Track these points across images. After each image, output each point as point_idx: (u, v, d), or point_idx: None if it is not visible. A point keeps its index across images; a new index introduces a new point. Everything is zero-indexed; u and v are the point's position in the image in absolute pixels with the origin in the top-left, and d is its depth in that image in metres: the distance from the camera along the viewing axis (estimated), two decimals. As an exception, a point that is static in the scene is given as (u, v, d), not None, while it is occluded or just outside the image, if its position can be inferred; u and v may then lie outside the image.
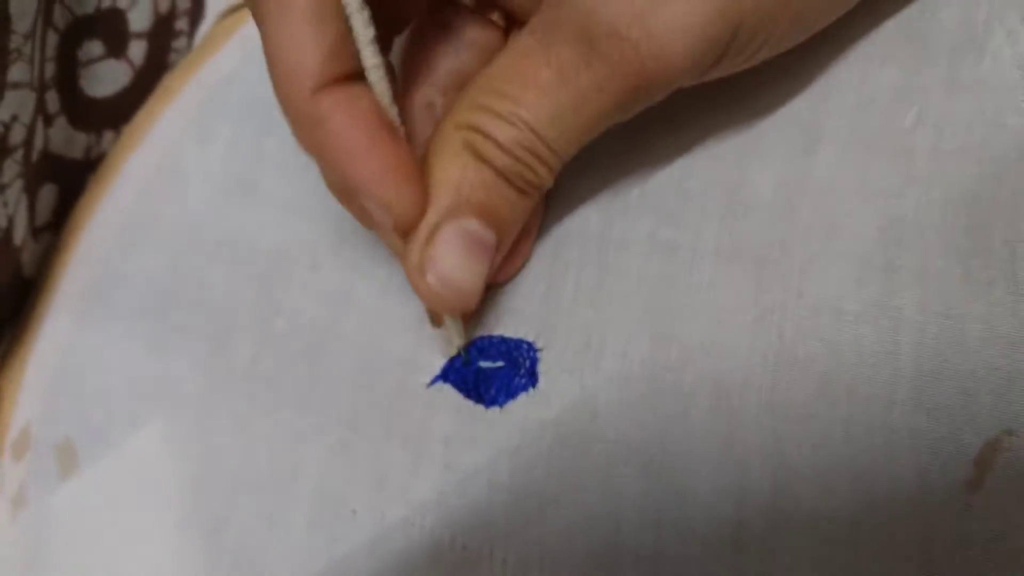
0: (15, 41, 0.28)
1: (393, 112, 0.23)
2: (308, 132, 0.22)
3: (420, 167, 0.23)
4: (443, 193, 0.22)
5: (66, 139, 0.32)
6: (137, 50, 0.34)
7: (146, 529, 0.27)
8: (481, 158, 0.22)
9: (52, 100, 0.32)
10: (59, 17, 0.30)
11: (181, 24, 0.35)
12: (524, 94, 0.22)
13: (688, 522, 0.22)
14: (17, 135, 0.29)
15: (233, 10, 0.35)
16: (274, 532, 0.26)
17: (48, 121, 0.31)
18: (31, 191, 0.31)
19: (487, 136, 0.22)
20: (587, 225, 0.26)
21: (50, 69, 0.31)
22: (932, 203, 0.23)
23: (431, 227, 0.22)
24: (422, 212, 0.22)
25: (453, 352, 0.26)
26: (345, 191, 0.24)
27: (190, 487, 0.27)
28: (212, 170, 0.32)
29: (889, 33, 0.25)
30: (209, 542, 0.26)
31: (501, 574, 0.23)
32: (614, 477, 0.23)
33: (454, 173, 0.22)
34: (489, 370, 0.25)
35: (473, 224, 0.22)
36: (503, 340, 0.26)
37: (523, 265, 0.27)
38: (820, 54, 0.26)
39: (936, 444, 0.21)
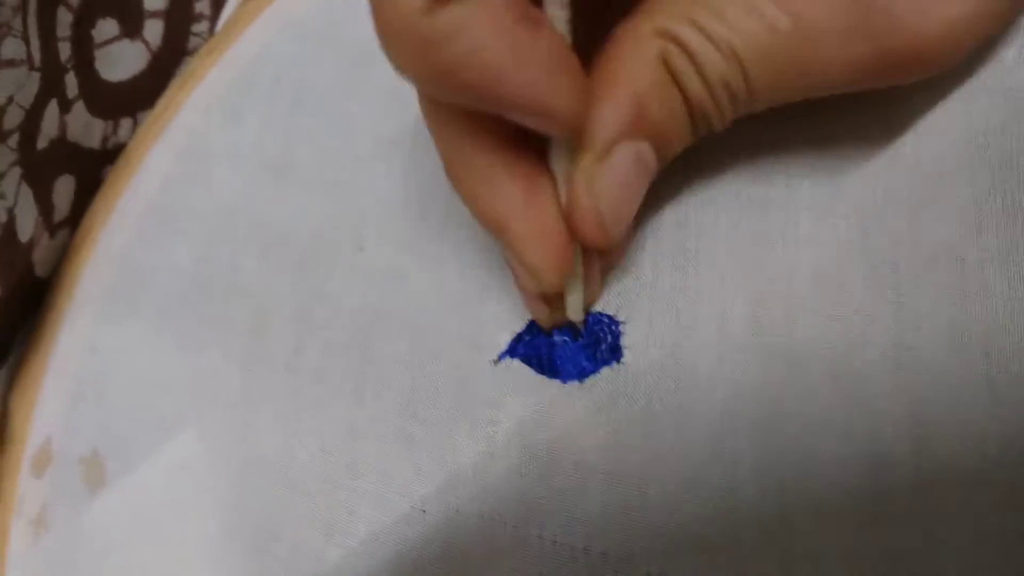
0: (3, 14, 0.25)
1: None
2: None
3: (579, 72, 0.18)
4: (624, 103, 0.19)
5: (84, 126, 0.30)
6: (153, 30, 0.31)
7: (187, 545, 0.25)
8: (675, 79, 0.19)
9: (71, 84, 0.29)
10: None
11: (201, 7, 0.33)
12: (746, 22, 0.18)
13: (817, 497, 0.19)
14: (12, 118, 0.26)
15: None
16: (333, 539, 0.23)
17: (66, 107, 0.29)
18: (40, 182, 0.29)
19: (690, 58, 0.19)
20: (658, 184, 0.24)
21: (65, 50, 0.29)
22: None
23: (608, 141, 0.19)
24: (580, 119, 0.18)
25: (578, 320, 0.22)
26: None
27: (234, 495, 0.25)
28: (242, 153, 0.29)
29: None
30: (259, 556, 0.24)
31: (602, 572, 0.20)
32: (724, 453, 0.20)
33: (641, 84, 0.19)
34: (563, 343, 0.22)
35: (645, 147, 0.19)
36: None
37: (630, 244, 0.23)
38: None
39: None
